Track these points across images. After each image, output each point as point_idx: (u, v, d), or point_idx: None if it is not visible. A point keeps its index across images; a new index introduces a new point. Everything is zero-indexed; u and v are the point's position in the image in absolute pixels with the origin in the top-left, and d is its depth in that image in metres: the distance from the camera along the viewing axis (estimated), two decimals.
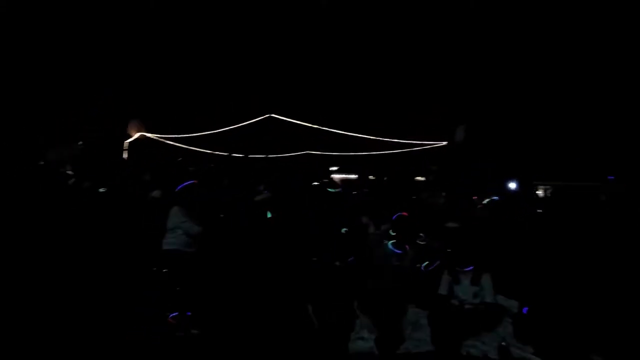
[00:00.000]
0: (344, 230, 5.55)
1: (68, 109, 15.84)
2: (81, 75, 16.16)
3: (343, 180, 18.23)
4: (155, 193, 7.47)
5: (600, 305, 4.14)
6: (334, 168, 18.40)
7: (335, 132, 17.16)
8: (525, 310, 3.61)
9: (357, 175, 18.17)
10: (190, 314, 3.94)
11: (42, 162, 10.11)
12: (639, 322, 3.78)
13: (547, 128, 14.86)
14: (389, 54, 16.96)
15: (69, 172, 8.59)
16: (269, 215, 6.21)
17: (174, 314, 3.92)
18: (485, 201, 5.98)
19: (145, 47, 16.98)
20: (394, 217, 4.74)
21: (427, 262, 4.70)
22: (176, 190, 4.77)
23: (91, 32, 15.99)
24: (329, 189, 5.94)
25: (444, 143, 15.78)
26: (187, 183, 4.72)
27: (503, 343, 3.22)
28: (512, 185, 9.98)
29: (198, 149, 16.73)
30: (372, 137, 17.19)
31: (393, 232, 4.63)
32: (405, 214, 4.80)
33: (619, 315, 3.99)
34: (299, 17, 16.98)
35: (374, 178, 17.04)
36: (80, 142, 13.82)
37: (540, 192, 13.54)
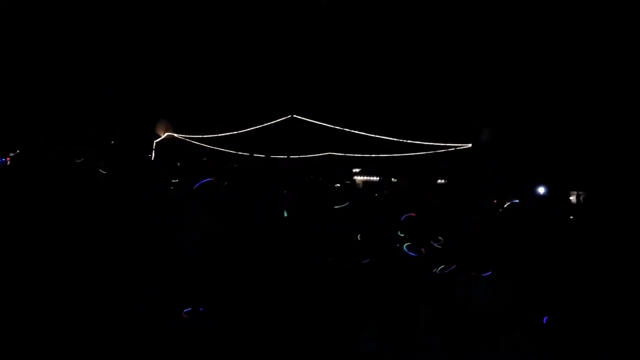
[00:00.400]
0: (359, 236, 5.52)
1: (81, 108, 16.19)
2: (97, 75, 16.49)
3: (365, 182, 18.14)
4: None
5: (625, 314, 3.91)
6: (357, 170, 18.30)
7: (357, 134, 17.06)
8: (545, 319, 3.45)
9: (379, 177, 18.02)
10: (203, 309, 3.99)
11: (78, 160, 10.60)
12: None
13: (577, 133, 14.17)
14: (413, 57, 16.70)
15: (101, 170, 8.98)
16: (285, 214, 6.25)
17: (187, 310, 3.99)
18: (506, 204, 5.78)
19: (172, 51, 17.47)
20: (403, 218, 4.67)
21: (442, 266, 4.59)
22: (194, 187, 4.88)
23: (113, 33, 16.39)
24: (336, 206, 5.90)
25: (469, 145, 15.35)
26: (204, 180, 4.82)
27: None
28: (541, 190, 9.59)
29: (222, 149, 17.08)
30: (394, 139, 16.97)
31: (401, 233, 4.56)
32: (413, 214, 4.72)
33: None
34: (322, 20, 17.01)
35: (395, 180, 16.84)
36: (112, 142, 14.41)
37: (572, 198, 12.94)
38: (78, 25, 15.96)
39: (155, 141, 17.39)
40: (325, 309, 4.04)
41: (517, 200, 5.74)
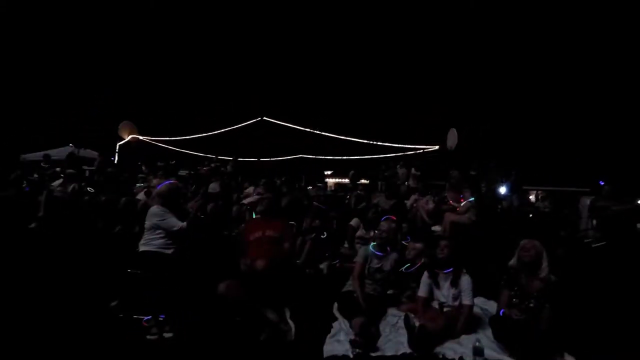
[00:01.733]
0: (324, 234, 5.52)
1: (65, 109, 15.80)
2: (73, 77, 16.13)
3: (337, 184, 18.24)
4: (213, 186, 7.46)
5: (579, 308, 4.12)
6: (328, 172, 18.37)
7: (328, 136, 17.13)
8: (501, 312, 3.57)
9: (350, 179, 18.17)
10: (163, 317, 3.86)
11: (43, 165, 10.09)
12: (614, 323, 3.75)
13: (537, 132, 14.92)
14: (383, 58, 17.03)
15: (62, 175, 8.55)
16: (254, 216, 6.17)
17: (147, 318, 3.84)
18: (464, 203, 5.96)
19: (137, 51, 16.98)
20: (382, 219, 4.72)
21: (408, 264, 4.66)
22: (157, 189, 4.71)
23: (82, 35, 15.98)
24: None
25: (436, 147, 15.79)
26: (167, 182, 4.66)
27: (477, 344, 3.17)
28: (502, 189, 9.96)
29: (190, 152, 16.66)
30: (365, 141, 17.18)
31: (378, 234, 4.61)
32: (393, 217, 4.78)
33: (598, 317, 3.96)
34: (291, 21, 17.04)
35: (367, 182, 17.04)
36: (71, 145, 13.74)
37: (532, 197, 13.56)
38: (33, 25, 15.21)
39: (118, 144, 16.73)
40: (296, 311, 4.01)
41: (473, 199, 5.93)
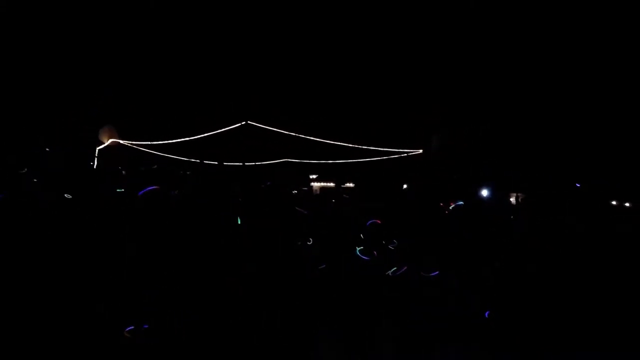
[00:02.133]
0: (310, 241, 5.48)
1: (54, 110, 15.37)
2: (53, 79, 15.71)
3: (322, 188, 18.27)
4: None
5: (564, 310, 4.21)
6: (314, 176, 18.39)
7: (313, 140, 17.17)
8: (487, 314, 3.62)
9: (334, 183, 18.23)
10: (147, 326, 3.74)
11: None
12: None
13: (519, 137, 15.31)
14: (367, 63, 17.19)
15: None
16: (239, 221, 6.09)
17: (129, 328, 3.71)
18: (452, 206, 6.06)
19: (120, 54, 16.66)
20: (368, 223, 4.71)
21: (394, 268, 4.67)
22: (138, 195, 4.59)
23: (62, 37, 15.61)
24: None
25: (420, 151, 16.04)
26: (149, 188, 4.54)
27: None
28: (484, 192, 10.16)
29: (173, 156, 16.39)
30: (350, 145, 17.29)
31: (364, 238, 4.60)
32: (378, 221, 4.78)
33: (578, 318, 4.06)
34: (275, 25, 17.04)
35: (352, 185, 17.13)
36: (47, 149, 13.32)
37: (512, 200, 13.90)
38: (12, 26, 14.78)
39: (98, 148, 16.32)
40: (283, 316, 3.96)
41: (462, 202, 6.03)
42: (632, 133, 13.95)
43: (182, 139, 16.38)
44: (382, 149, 17.07)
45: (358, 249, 4.50)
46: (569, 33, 14.84)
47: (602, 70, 14.66)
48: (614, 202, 11.34)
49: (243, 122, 16.59)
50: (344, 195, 9.07)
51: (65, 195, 8.17)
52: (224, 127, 16.51)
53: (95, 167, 14.92)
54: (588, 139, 14.39)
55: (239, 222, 6.18)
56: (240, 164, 15.70)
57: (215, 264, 4.83)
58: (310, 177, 18.24)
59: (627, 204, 11.66)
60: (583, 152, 14.24)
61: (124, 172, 10.49)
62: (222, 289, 4.29)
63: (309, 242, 5.60)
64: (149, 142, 16.76)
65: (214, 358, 3.34)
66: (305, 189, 15.40)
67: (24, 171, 9.83)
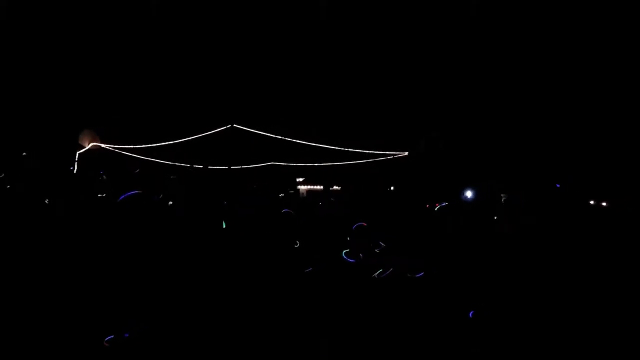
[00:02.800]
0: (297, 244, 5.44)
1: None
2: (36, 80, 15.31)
3: (309, 191, 18.23)
4: None
5: (550, 310, 4.26)
6: (300, 179, 18.34)
7: (299, 143, 17.12)
8: (471, 314, 3.64)
9: (322, 186, 18.21)
10: (127, 335, 3.63)
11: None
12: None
13: (506, 137, 15.58)
14: (353, 66, 17.28)
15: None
16: (224, 225, 6.00)
17: (109, 337, 3.59)
18: (437, 207, 6.11)
19: (104, 57, 16.33)
20: (354, 227, 4.70)
21: (380, 270, 4.66)
22: (119, 200, 4.47)
23: (45, 39, 15.24)
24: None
25: (405, 154, 16.17)
26: (130, 193, 4.43)
27: None
28: (469, 193, 10.29)
29: (157, 160, 16.09)
30: (336, 148, 17.30)
31: (350, 240, 4.58)
32: (364, 224, 4.77)
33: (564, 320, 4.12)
34: (263, 28, 16.98)
35: (339, 188, 17.14)
36: (25, 153, 12.91)
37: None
38: None
39: (78, 152, 15.89)
40: (271, 318, 3.89)
41: (446, 203, 6.09)
42: (609, 133, 14.38)
43: (166, 143, 16.11)
44: (368, 151, 17.15)
45: (344, 251, 4.47)
46: (549, 33, 15.21)
47: (583, 69, 15.06)
48: (591, 202, 11.67)
49: (228, 125, 16.43)
50: (331, 199, 9.06)
51: (45, 200, 7.92)
52: (209, 130, 16.32)
53: (75, 171, 14.53)
54: (567, 139, 14.77)
55: (224, 226, 6.10)
56: (226, 167, 15.54)
57: (198, 267, 4.73)
58: (297, 180, 18.18)
59: (603, 204, 11.99)
60: (562, 152, 14.61)
61: (104, 176, 10.24)
62: (205, 292, 4.20)
63: (296, 244, 5.56)
64: (132, 146, 16.42)
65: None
66: (292, 192, 15.32)
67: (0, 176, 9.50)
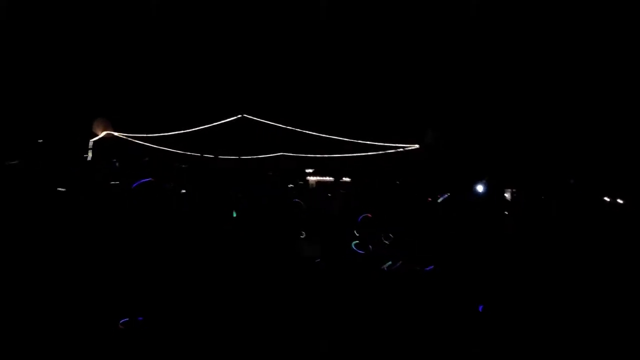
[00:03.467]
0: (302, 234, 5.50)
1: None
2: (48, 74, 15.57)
3: (319, 182, 18.23)
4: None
5: (556, 306, 4.23)
6: (310, 170, 18.33)
7: (310, 134, 17.07)
8: (480, 308, 3.63)
9: (332, 178, 18.20)
10: (142, 319, 3.73)
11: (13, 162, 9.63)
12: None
13: (514, 132, 15.35)
14: (365, 55, 17.10)
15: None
16: (234, 214, 6.07)
17: (124, 320, 3.70)
18: (439, 199, 6.05)
19: (114, 46, 16.47)
20: (359, 218, 4.73)
21: (389, 262, 4.68)
22: (132, 187, 4.56)
23: (61, 31, 15.46)
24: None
25: (416, 146, 16.01)
26: (143, 180, 4.51)
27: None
28: (480, 188, 10.18)
29: (168, 149, 16.26)
30: (347, 139, 17.21)
31: (357, 233, 4.62)
32: (369, 215, 4.80)
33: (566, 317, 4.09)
34: (272, 17, 16.89)
35: (349, 180, 17.11)
36: (41, 140, 13.17)
37: (507, 195, 13.96)
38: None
39: (92, 140, 16.15)
40: (280, 309, 3.95)
41: (447, 194, 6.02)
42: (626, 130, 14.04)
43: (177, 132, 16.26)
44: (378, 143, 17.02)
45: (353, 242, 4.50)
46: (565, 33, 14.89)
47: (598, 67, 14.71)
48: (606, 199, 11.43)
49: (239, 115, 16.47)
50: (340, 191, 9.09)
51: (59, 188, 8.08)
52: (220, 120, 16.39)
53: (89, 159, 14.79)
54: (583, 134, 14.47)
55: (234, 215, 6.17)
56: (236, 157, 15.64)
57: (210, 256, 4.81)
58: (307, 171, 18.18)
59: (619, 201, 11.75)
60: (577, 147, 14.33)
61: (117, 164, 10.39)
62: (217, 282, 4.27)
63: (302, 235, 5.60)
64: (144, 135, 16.61)
65: (212, 354, 3.34)
66: (302, 182, 15.35)
67: (15, 162, 9.71)
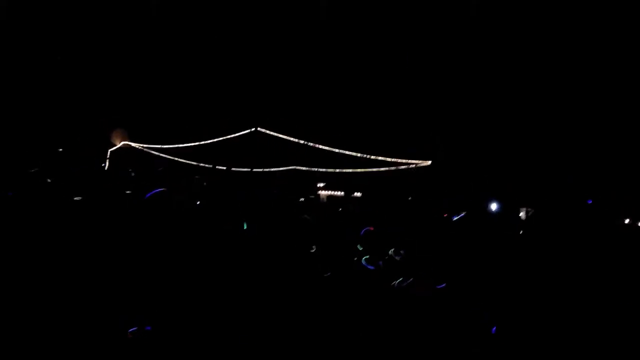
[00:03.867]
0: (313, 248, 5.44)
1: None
2: (67, 82, 16.06)
3: (329, 197, 18.24)
4: None
5: (572, 325, 4.09)
6: (321, 184, 18.38)
7: (322, 149, 17.19)
8: (494, 330, 3.53)
9: (343, 192, 18.20)
10: (150, 328, 3.73)
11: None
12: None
13: (530, 150, 15.15)
14: (377, 71, 17.25)
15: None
16: (245, 226, 6.09)
17: (132, 329, 3.70)
18: (455, 218, 5.98)
19: (131, 58, 16.99)
20: (362, 232, 4.68)
21: (400, 279, 4.60)
22: (145, 198, 4.61)
23: (73, 38, 15.99)
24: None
25: (429, 162, 15.93)
26: (156, 191, 4.56)
27: None
28: (494, 206, 10.02)
29: (182, 160, 16.56)
30: (358, 155, 17.25)
31: (361, 247, 4.55)
32: (371, 228, 4.74)
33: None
34: (286, 31, 17.24)
35: (360, 195, 17.08)
36: (60, 149, 13.55)
37: (522, 214, 13.69)
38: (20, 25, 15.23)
39: (109, 150, 16.57)
40: (286, 324, 3.91)
41: (464, 213, 5.94)
42: None
43: (192, 144, 16.55)
44: (390, 159, 17.00)
45: (364, 258, 4.44)
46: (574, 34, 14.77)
47: (615, 79, 14.51)
48: (627, 221, 11.10)
49: (252, 129, 16.71)
50: (350, 206, 9.05)
51: (75, 197, 8.27)
52: (234, 133, 16.64)
53: (106, 168, 15.13)
54: (602, 153, 14.18)
55: (245, 227, 6.19)
56: (248, 170, 15.79)
57: (219, 268, 4.82)
58: (318, 185, 18.23)
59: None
60: (596, 166, 14.03)
61: (133, 174, 10.61)
62: (226, 294, 4.27)
63: (312, 249, 5.55)
64: (159, 146, 16.96)
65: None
66: (312, 197, 15.36)
67: (34, 170, 10.00)
